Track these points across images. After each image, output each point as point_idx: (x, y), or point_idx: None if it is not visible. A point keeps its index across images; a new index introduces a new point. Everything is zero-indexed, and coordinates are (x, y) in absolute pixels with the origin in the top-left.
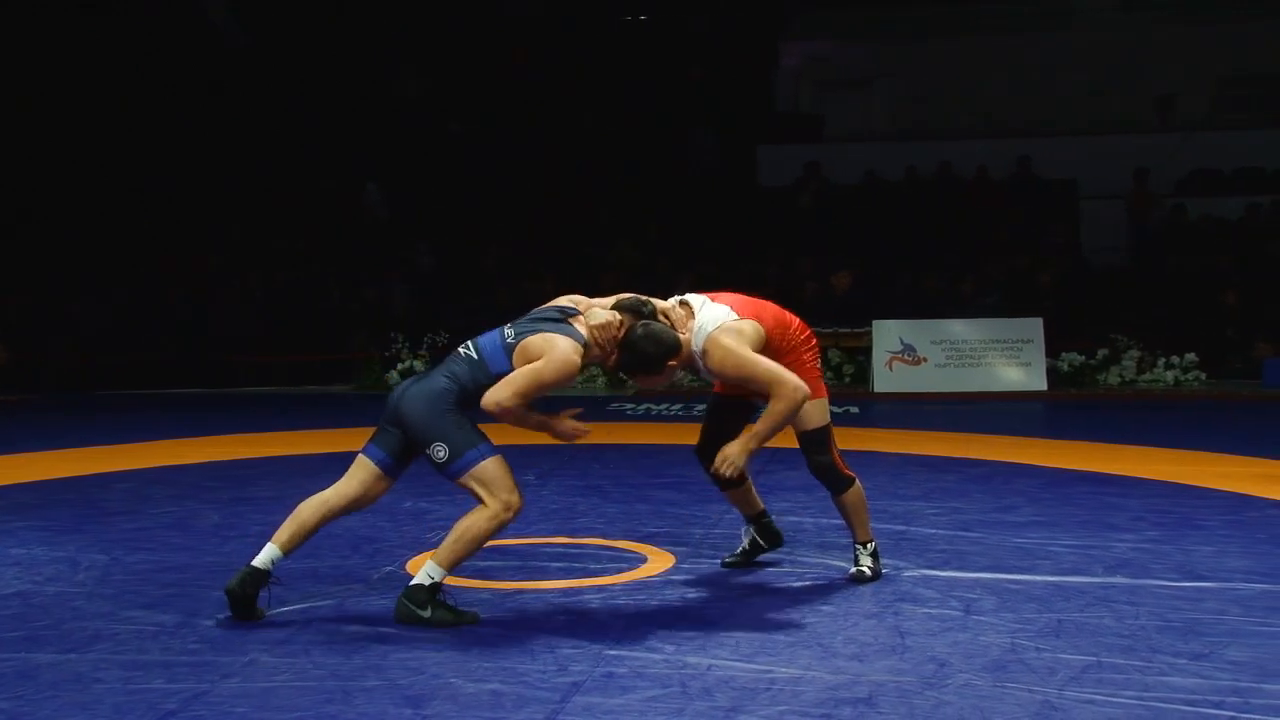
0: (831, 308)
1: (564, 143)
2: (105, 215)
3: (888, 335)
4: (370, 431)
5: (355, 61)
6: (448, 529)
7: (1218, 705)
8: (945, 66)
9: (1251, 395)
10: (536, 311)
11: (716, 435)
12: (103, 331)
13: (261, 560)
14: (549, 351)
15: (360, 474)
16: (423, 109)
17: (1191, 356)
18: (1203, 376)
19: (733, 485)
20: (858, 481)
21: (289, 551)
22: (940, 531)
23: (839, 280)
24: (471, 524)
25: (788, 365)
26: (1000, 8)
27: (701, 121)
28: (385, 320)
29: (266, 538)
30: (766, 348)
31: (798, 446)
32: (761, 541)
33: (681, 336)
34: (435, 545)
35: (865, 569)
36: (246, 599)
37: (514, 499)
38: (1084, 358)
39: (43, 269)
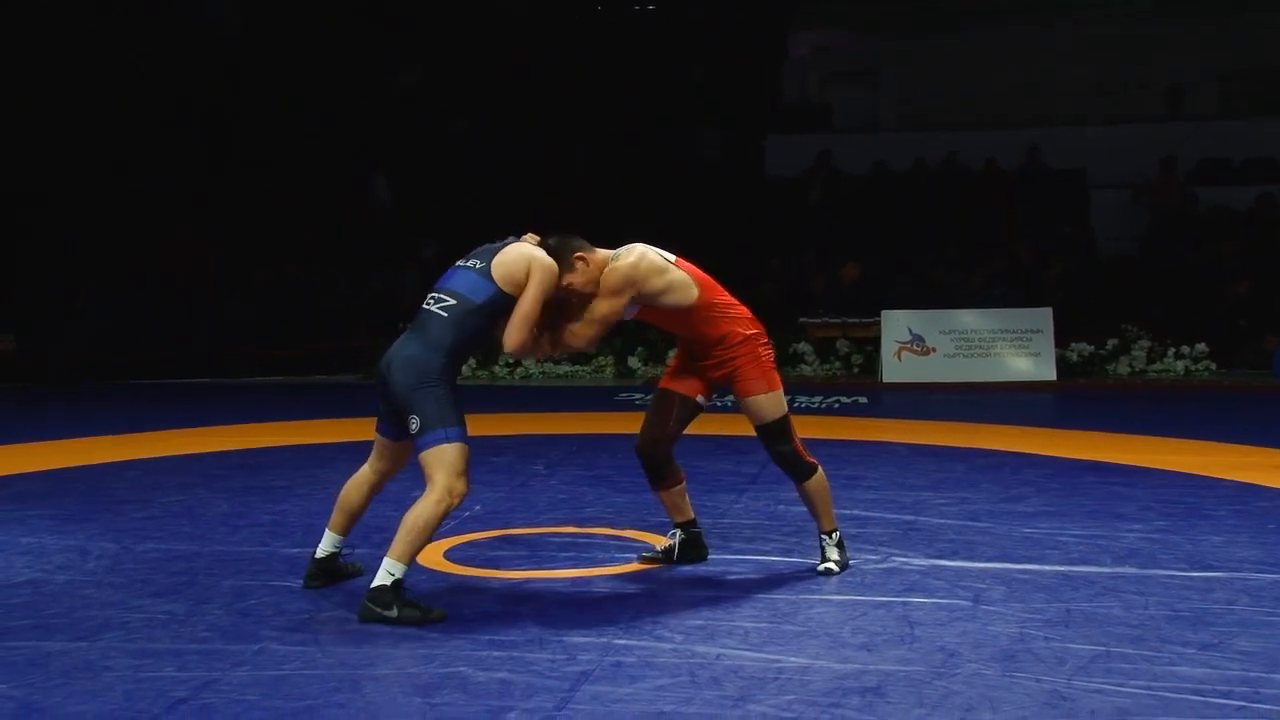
0: (840, 298)
1: (566, 138)
2: (112, 206)
3: (896, 325)
4: (363, 420)
5: (356, 55)
6: (457, 516)
7: (1226, 695)
8: (954, 57)
9: (1262, 386)
10: (479, 249)
11: (659, 431)
12: (110, 322)
13: (322, 549)
14: (531, 261)
15: (383, 451)
16: (423, 104)
17: (1202, 347)
18: (1213, 367)
19: (665, 484)
20: (820, 469)
21: (345, 533)
22: (949, 521)
23: (847, 271)
24: (419, 514)
25: (732, 349)
26: None
27: (705, 115)
28: (393, 311)
29: (276, 526)
30: (694, 307)
31: (808, 439)
32: (687, 551)
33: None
34: (445, 534)
35: (832, 564)
36: (327, 579)
37: (459, 485)
38: (1093, 348)
39: (50, 259)
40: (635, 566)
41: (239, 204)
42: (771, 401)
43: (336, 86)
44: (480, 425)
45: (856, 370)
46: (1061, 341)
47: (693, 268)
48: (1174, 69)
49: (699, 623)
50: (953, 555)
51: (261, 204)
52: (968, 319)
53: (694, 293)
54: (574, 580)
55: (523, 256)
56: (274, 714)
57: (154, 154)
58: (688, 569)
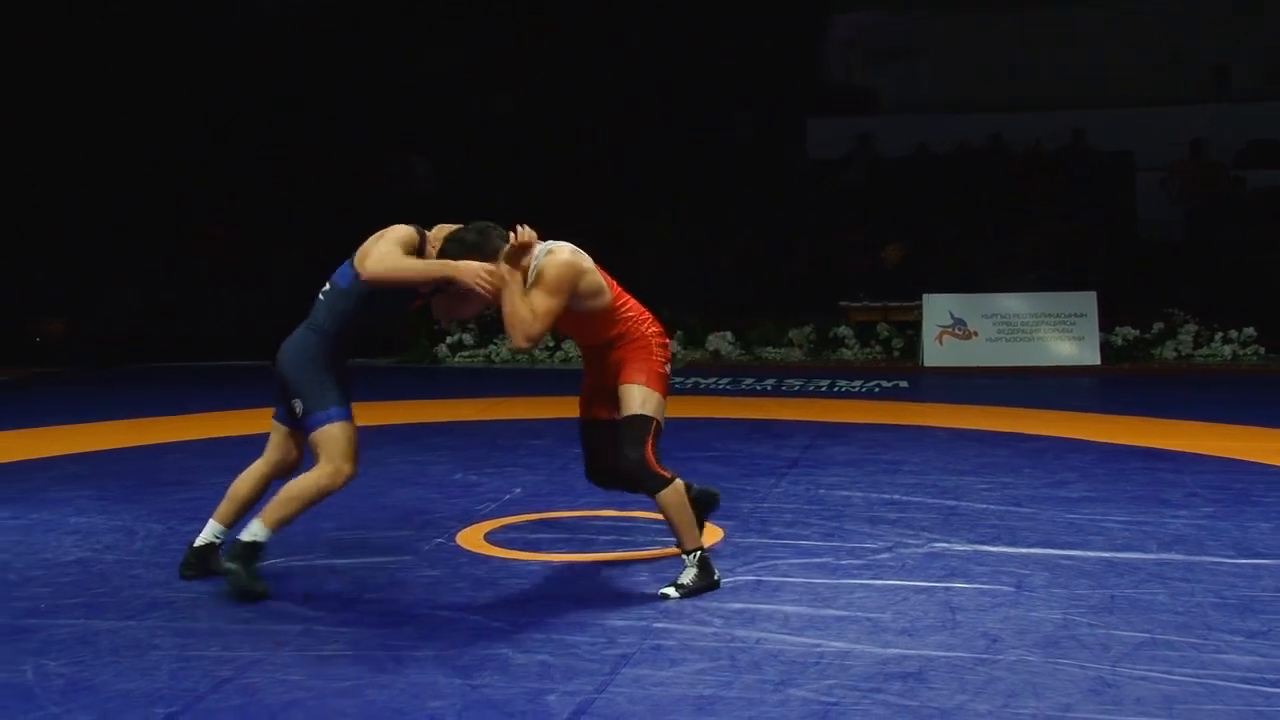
0: (881, 281)
1: (601, 116)
2: (153, 188)
3: (938, 309)
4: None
5: (388, 35)
6: (498, 500)
7: (1275, 684)
8: (998, 38)
9: None
10: None
11: (600, 458)
12: (150, 305)
13: (202, 538)
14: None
15: (276, 440)
16: (457, 83)
17: (1250, 330)
18: (1261, 351)
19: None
20: (677, 483)
21: (230, 525)
22: (991, 507)
23: (889, 253)
24: (301, 486)
25: (626, 353)
26: None
27: (741, 95)
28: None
29: (320, 509)
30: (604, 315)
31: (849, 423)
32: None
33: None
34: (486, 517)
35: (673, 590)
36: (201, 571)
37: (345, 466)
38: (1139, 332)
39: (91, 242)
40: (674, 550)
41: (278, 187)
42: (642, 395)
43: (374, 68)
44: (520, 409)
45: (897, 354)
46: (1106, 325)
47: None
48: (1222, 49)
49: (739, 607)
50: (995, 541)
51: (300, 186)
52: (1010, 303)
53: (608, 295)
54: (614, 564)
55: (374, 239)
56: (316, 694)
57: (191, 136)
58: (729, 554)
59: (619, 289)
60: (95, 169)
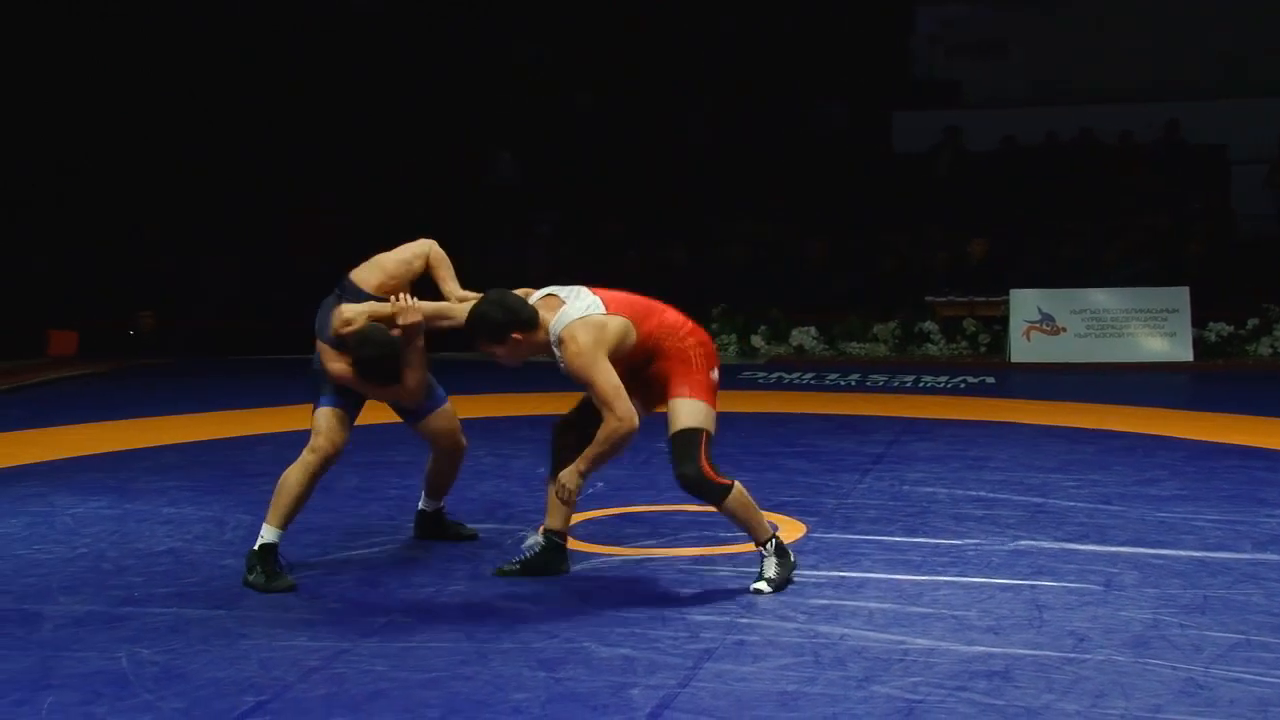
0: (967, 276)
1: (687, 112)
2: (243, 181)
3: (1025, 304)
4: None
5: (479, 29)
6: (581, 493)
7: None
8: (1087, 27)
9: None
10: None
11: (578, 421)
12: (240, 297)
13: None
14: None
15: (425, 427)
16: (545, 78)
17: None
18: None
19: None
20: (736, 485)
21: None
22: (1079, 504)
23: (975, 248)
24: (285, 477)
25: (668, 367)
26: None
27: (829, 88)
28: (519, 286)
29: (405, 500)
30: (638, 347)
31: (934, 419)
32: (554, 560)
33: (542, 316)
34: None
35: (764, 585)
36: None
37: (319, 442)
38: (1232, 328)
39: (183, 236)
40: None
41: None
42: (688, 408)
43: (462, 63)
44: None
45: (984, 350)
46: (1199, 321)
47: (619, 296)
48: None
49: (822, 603)
50: (1083, 539)
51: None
52: (1100, 298)
53: (633, 333)
54: (696, 558)
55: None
56: (401, 685)
57: (288, 131)
58: (812, 549)
59: (648, 309)
60: (192, 162)
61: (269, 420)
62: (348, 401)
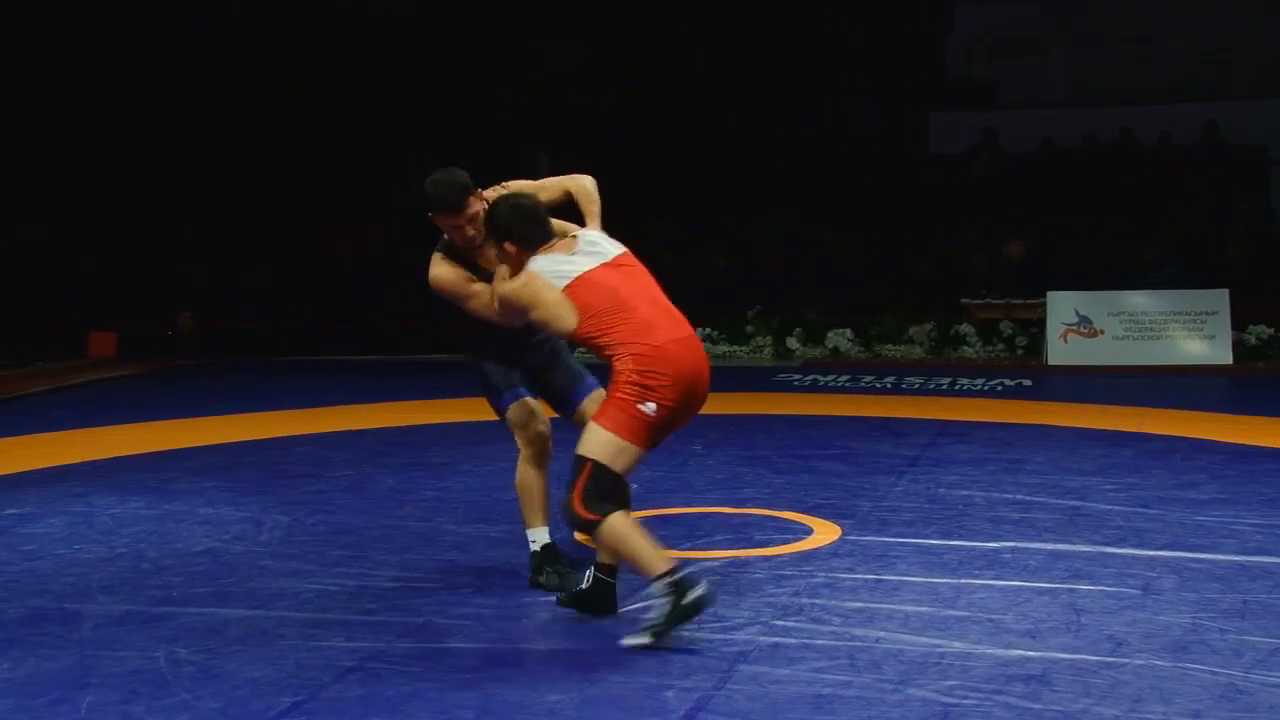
0: (1004, 278)
1: (725, 112)
2: (282, 181)
3: (1063, 307)
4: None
5: (513, 30)
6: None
7: None
8: (1126, 28)
9: None
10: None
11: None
12: (279, 299)
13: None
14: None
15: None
16: (580, 79)
17: None
18: None
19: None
20: (614, 518)
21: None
22: (1116, 508)
23: (1012, 249)
24: (519, 482)
25: (611, 373)
26: None
27: (866, 89)
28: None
29: (440, 502)
30: (574, 335)
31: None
32: (596, 600)
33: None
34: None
35: (638, 639)
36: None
37: (521, 440)
38: (1273, 330)
39: (223, 237)
40: (793, 548)
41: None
42: (595, 436)
43: (499, 66)
44: None
45: (1020, 352)
46: (1238, 324)
47: (604, 283)
48: None
49: (858, 605)
50: (1120, 542)
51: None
52: (1138, 300)
53: (568, 323)
54: (731, 561)
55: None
56: (438, 686)
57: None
58: (847, 552)
59: (616, 307)
60: (231, 163)
61: (308, 421)
62: (524, 386)
